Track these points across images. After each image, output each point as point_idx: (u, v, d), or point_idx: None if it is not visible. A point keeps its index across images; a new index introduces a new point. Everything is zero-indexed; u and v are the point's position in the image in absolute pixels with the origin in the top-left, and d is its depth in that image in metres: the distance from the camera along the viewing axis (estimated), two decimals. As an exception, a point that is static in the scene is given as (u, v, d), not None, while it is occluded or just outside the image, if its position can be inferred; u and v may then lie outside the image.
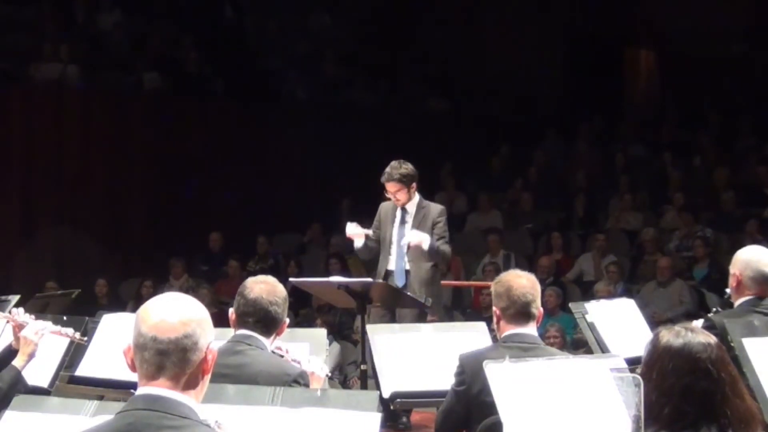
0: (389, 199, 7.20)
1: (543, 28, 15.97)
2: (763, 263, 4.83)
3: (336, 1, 16.16)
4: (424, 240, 6.94)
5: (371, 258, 7.43)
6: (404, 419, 6.59)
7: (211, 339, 2.47)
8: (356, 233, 7.22)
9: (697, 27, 15.25)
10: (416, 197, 7.18)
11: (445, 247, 7.12)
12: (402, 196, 7.07)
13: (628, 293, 9.38)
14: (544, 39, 16.02)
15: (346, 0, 16.29)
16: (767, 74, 14.48)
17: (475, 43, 15.72)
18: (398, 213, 7.18)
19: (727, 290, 5.00)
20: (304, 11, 15.86)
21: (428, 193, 13.79)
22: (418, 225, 7.10)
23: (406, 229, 7.12)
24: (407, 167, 7.09)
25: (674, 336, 2.94)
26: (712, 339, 2.96)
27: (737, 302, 4.89)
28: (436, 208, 7.20)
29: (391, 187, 7.07)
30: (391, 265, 7.16)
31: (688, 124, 14.99)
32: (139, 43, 13.78)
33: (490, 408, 3.60)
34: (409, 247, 7.01)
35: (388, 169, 7.07)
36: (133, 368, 2.46)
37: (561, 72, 16.46)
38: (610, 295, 8.97)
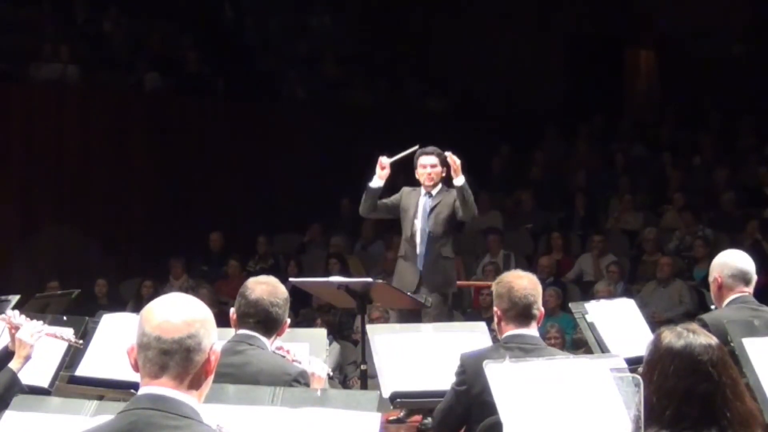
0: (416, 184, 7.18)
1: (543, 28, 15.97)
2: (738, 261, 5.03)
3: (336, 1, 16.16)
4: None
5: (367, 213, 7.38)
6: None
7: (215, 340, 2.48)
8: (385, 165, 7.10)
9: (697, 27, 15.25)
10: (440, 184, 7.17)
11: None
12: (437, 173, 7.08)
13: (628, 293, 9.38)
14: (544, 39, 16.02)
15: (346, 0, 16.29)
16: (767, 74, 14.47)
17: (475, 43, 15.71)
18: (422, 202, 7.12)
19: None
20: (304, 11, 15.87)
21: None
22: (439, 203, 7.05)
23: (432, 220, 7.05)
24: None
25: (676, 337, 2.93)
26: (714, 340, 2.95)
27: (723, 304, 5.04)
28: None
29: (428, 159, 7.09)
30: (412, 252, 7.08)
31: (688, 124, 14.98)
32: (139, 43, 13.78)
33: (490, 408, 3.60)
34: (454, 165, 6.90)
35: (425, 148, 7.13)
36: (136, 368, 2.46)
37: (561, 72, 16.45)
38: (610, 295, 8.97)
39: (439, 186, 7.16)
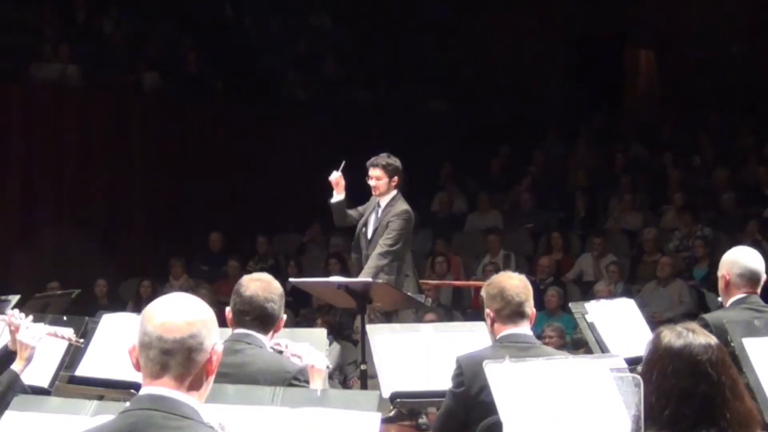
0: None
1: (543, 28, 15.97)
2: (749, 260, 4.97)
3: (336, 1, 16.16)
4: None
5: (342, 224, 7.47)
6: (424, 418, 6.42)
7: (216, 340, 2.48)
8: (337, 180, 7.27)
9: (697, 27, 15.25)
10: (393, 193, 7.18)
11: (370, 267, 6.93)
12: (382, 185, 7.12)
13: (628, 293, 9.37)
14: (544, 39, 16.03)
15: (346, 0, 16.29)
16: (767, 74, 14.47)
17: (475, 43, 15.71)
18: (372, 220, 7.22)
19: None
20: (304, 11, 15.86)
21: (428, 193, 13.84)
22: (378, 223, 7.12)
23: (370, 225, 7.17)
24: (394, 159, 7.17)
25: (675, 337, 2.93)
26: (713, 340, 2.94)
27: (728, 303, 4.98)
28: (399, 208, 7.14)
29: (373, 172, 7.15)
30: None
31: (688, 124, 14.98)
32: (139, 43, 13.77)
33: (490, 408, 3.59)
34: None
35: (374, 157, 7.17)
36: (137, 368, 2.46)
37: (561, 72, 16.46)
38: (610, 295, 8.97)
39: (391, 195, 7.15)
